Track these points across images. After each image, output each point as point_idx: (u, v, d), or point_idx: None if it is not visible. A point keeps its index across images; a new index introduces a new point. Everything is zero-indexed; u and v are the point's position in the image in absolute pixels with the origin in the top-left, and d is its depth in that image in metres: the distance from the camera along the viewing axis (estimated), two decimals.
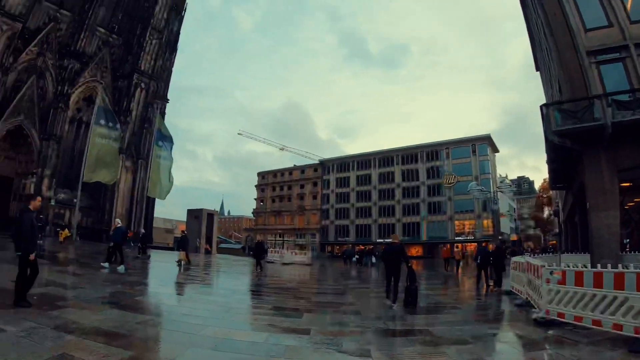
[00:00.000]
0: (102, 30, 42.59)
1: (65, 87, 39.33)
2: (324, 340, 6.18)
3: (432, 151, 71.44)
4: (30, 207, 7.21)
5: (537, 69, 37.83)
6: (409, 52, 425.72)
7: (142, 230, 29.78)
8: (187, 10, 48.37)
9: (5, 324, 5.41)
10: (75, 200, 33.27)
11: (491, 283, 15.07)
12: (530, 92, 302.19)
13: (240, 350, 5.39)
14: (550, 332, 6.93)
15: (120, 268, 14.68)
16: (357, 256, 37.86)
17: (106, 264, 15.00)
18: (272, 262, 30.97)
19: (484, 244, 20.37)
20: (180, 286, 13.33)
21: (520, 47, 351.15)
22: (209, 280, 16.54)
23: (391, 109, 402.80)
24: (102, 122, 32.95)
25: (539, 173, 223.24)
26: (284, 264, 30.54)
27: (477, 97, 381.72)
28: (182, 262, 19.22)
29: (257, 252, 21.45)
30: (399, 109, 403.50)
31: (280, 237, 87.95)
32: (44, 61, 38.69)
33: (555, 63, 21.14)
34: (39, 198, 7.84)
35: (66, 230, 29.64)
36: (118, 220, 18.81)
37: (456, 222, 67.42)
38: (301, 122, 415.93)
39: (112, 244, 16.01)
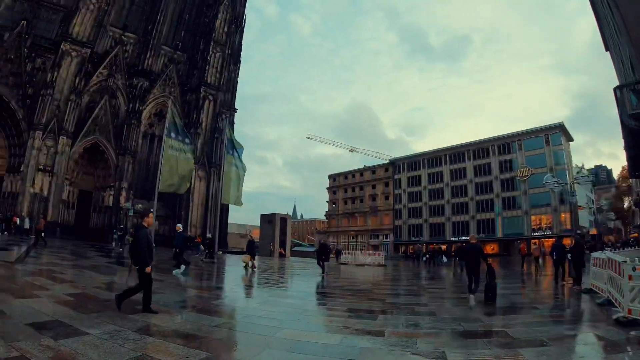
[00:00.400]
0: (166, 48, 44.63)
1: (137, 104, 40.99)
2: (398, 341, 6.17)
3: (504, 144, 66.88)
4: (145, 223, 7.70)
5: (607, 48, 34.88)
6: (471, 42, 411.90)
7: (209, 235, 29.67)
8: (246, 22, 50.12)
9: (89, 327, 5.76)
10: (151, 210, 32.50)
11: (570, 281, 14.67)
12: (601, 74, 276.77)
13: (314, 352, 5.48)
14: (633, 333, 6.69)
15: (176, 272, 15.16)
16: (427, 255, 36.67)
17: (176, 270, 15.40)
18: (345, 264, 31.42)
19: (559, 240, 18.20)
20: (255, 289, 13.89)
21: (586, 27, 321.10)
22: (284, 283, 16.76)
23: (458, 102, 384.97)
24: (173, 135, 32.35)
25: (616, 161, 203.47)
26: (358, 265, 30.66)
27: (545, 84, 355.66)
28: (249, 265, 19.74)
29: (320, 254, 20.57)
30: (465, 101, 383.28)
31: (353, 238, 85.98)
32: (114, 82, 40.84)
33: (624, 40, 18.58)
34: (151, 214, 8.13)
35: None
36: (179, 225, 18.93)
37: (532, 217, 62.48)
38: (368, 122, 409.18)
39: (175, 249, 16.62)
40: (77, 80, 38.04)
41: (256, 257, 19.76)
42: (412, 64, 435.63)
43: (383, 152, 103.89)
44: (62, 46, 38.27)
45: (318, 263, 19.93)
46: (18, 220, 31.39)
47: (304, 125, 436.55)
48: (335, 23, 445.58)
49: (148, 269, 7.16)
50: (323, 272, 19.25)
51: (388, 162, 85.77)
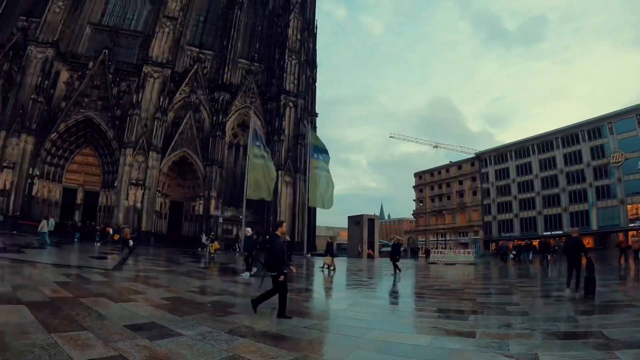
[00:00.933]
0: (243, 61, 45.09)
1: (220, 117, 41.14)
2: (489, 343, 5.86)
3: (593, 128, 59.92)
4: (278, 232, 7.97)
5: None
6: (547, 22, 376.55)
7: (287, 238, 27.31)
8: (317, 27, 49.98)
9: (183, 329, 5.94)
10: (240, 216, 34.88)
11: None
12: None
13: (404, 354, 5.36)
14: None
15: (245, 274, 15.25)
16: (513, 252, 34.12)
17: (252, 272, 15.53)
18: (435, 263, 31.15)
19: None
20: (344, 291, 13.81)
21: None
22: (372, 284, 16.38)
23: (541, 87, 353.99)
24: (257, 143, 33.78)
25: None
26: (447, 264, 30.24)
27: (632, 59, 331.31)
28: (330, 267, 19.81)
29: (393, 254, 19.78)
30: (549, 85, 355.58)
31: (442, 236, 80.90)
32: (196, 97, 41.45)
33: None
34: (284, 224, 8.57)
35: (215, 242, 30.07)
36: (248, 229, 18.81)
37: (629, 207, 56.25)
38: (449, 116, 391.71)
39: (246, 253, 16.55)
40: (161, 99, 39.01)
41: (334, 258, 19.32)
42: (489, 52, 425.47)
43: (468, 146, 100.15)
44: (144, 69, 39.55)
45: (394, 264, 18.97)
46: (111, 231, 31.62)
47: (385, 124, 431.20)
48: (405, 19, 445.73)
49: (281, 278, 7.31)
50: (395, 272, 18.43)
51: (474, 155, 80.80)
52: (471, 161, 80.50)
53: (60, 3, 40.05)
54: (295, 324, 6.78)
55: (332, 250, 20.87)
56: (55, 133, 37.31)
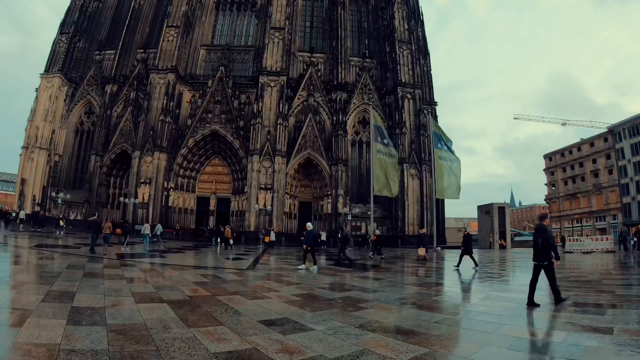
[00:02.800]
0: (355, 59, 44.63)
1: (340, 116, 40.77)
2: (628, 340, 5.35)
3: None
4: (544, 223, 8.20)
5: None
6: None
7: (377, 232, 27.99)
8: (423, 14, 48.50)
9: (314, 324, 6.20)
10: (369, 212, 34.49)
11: None
12: None
13: (536, 350, 5.17)
14: None
15: (313, 269, 15.16)
16: (635, 238, 30.03)
17: (302, 266, 15.56)
18: (570, 252, 29.34)
19: None
20: (475, 284, 13.18)
21: None
22: (505, 277, 15.59)
23: None
24: (379, 139, 33.58)
25: None
26: (584, 252, 28.44)
27: None
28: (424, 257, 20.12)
29: (467, 247, 18.01)
30: None
31: (577, 222, 72.95)
32: (314, 100, 41.53)
33: None
34: (548, 216, 8.68)
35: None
36: (309, 224, 17.89)
37: None
38: (572, 90, 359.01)
39: (306, 247, 16.11)
40: (280, 106, 39.54)
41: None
42: (603, 12, 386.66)
43: (598, 121, 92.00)
44: (260, 79, 40.30)
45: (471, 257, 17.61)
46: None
47: (506, 106, 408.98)
48: None
49: (557, 262, 7.69)
50: (458, 265, 17.40)
51: (606, 130, 72.87)
52: (604, 136, 72.42)
53: (173, 32, 42.19)
54: (425, 318, 6.83)
55: (424, 241, 21.21)
56: (185, 148, 39.62)
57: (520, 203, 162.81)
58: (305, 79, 41.99)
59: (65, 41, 44.36)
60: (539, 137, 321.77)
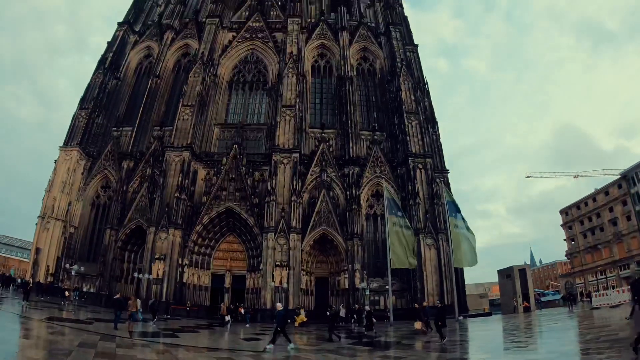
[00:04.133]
0: (365, 132, 45.63)
1: (353, 191, 41.15)
2: None
3: None
4: None
5: None
6: None
7: (367, 308, 30.01)
8: (428, 83, 49.75)
9: None
10: (387, 286, 34.93)
11: None
12: None
13: None
14: None
15: (290, 347, 15.42)
16: None
17: (270, 346, 15.43)
18: (598, 308, 29.16)
19: None
20: (502, 356, 12.92)
21: None
22: (531, 344, 15.16)
23: None
24: (393, 211, 34.45)
25: None
26: (612, 306, 27.82)
27: None
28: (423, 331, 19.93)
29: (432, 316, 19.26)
30: None
31: (601, 274, 70.96)
32: (327, 175, 42.14)
33: None
34: None
35: (302, 315, 32.04)
36: (279, 304, 17.89)
37: None
38: (579, 141, 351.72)
39: (277, 327, 16.02)
40: (294, 183, 40.12)
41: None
42: (600, 60, 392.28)
43: (609, 168, 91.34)
44: (273, 157, 41.24)
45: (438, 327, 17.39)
46: (243, 310, 34.65)
47: (516, 165, 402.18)
48: (505, 51, 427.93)
49: None
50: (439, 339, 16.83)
51: (619, 177, 72.52)
52: (617, 183, 71.68)
53: (188, 111, 43.79)
54: None
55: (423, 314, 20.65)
56: (200, 225, 40.16)
57: (540, 261, 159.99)
58: (318, 155, 42.83)
59: (85, 116, 46.05)
60: (552, 193, 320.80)
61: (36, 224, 41.49)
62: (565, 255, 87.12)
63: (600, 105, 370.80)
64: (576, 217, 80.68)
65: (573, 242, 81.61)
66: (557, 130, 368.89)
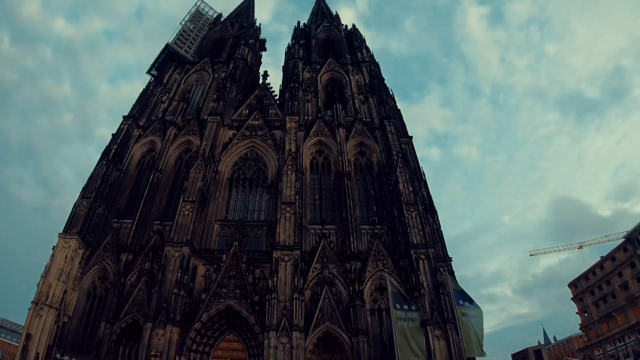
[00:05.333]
0: (365, 227, 45.79)
1: (356, 286, 40.41)
2: None
3: None
4: None
5: None
6: (624, 70, 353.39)
7: None
8: (425, 174, 50.20)
9: None
10: None
11: None
12: None
13: None
14: None
15: None
16: None
17: None
18: None
19: None
20: None
21: None
22: None
23: None
24: (398, 305, 33.08)
25: None
26: None
27: None
28: None
29: None
30: None
31: (620, 341, 69.37)
32: (329, 271, 41.62)
33: None
34: None
35: None
36: None
37: None
38: (577, 212, 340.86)
39: None
40: (295, 280, 39.69)
41: None
42: (587, 129, 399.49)
43: (612, 233, 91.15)
44: (273, 254, 41.12)
45: None
46: None
47: (517, 245, 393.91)
48: (495, 134, 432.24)
49: None
50: None
51: (623, 240, 73.20)
52: (623, 247, 72.57)
53: (188, 206, 44.18)
54: None
55: None
56: (198, 323, 38.86)
57: (555, 339, 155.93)
58: (319, 251, 42.75)
59: (86, 205, 46.04)
60: (557, 267, 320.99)
61: (29, 308, 39.85)
62: (580, 329, 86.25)
63: (593, 173, 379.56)
64: (586, 288, 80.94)
65: (586, 314, 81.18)
66: (554, 205, 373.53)
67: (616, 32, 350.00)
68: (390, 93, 59.03)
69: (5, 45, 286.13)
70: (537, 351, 35.50)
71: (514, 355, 37.30)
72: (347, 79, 62.61)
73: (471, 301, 34.29)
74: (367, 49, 69.78)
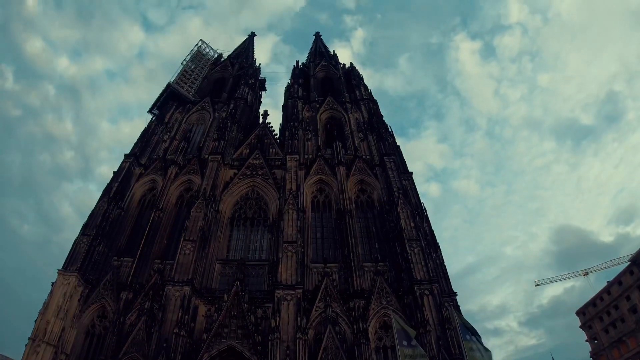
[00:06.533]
0: (368, 264, 45.46)
1: (360, 324, 39.80)
2: None
3: None
4: None
5: None
6: (617, 94, 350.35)
7: None
8: (426, 209, 50.53)
9: None
10: None
11: None
12: None
13: None
14: None
15: None
16: None
17: None
18: None
19: None
20: None
21: None
22: None
23: None
24: (405, 343, 32.44)
25: None
26: None
27: None
28: None
29: None
30: None
31: None
32: (332, 310, 40.98)
33: None
34: None
35: None
36: None
37: None
38: (579, 239, 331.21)
39: None
40: (298, 320, 39.14)
41: None
42: (583, 154, 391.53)
43: (616, 257, 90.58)
44: (275, 294, 40.81)
45: None
46: None
47: (521, 277, 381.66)
48: (492, 167, 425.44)
49: None
50: None
51: (629, 263, 73.26)
52: (629, 270, 72.67)
53: (189, 246, 44.05)
54: None
55: None
56: None
57: None
58: (321, 289, 42.39)
59: (86, 242, 45.82)
60: (562, 296, 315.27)
61: (26, 344, 39.00)
62: (591, 356, 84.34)
63: (592, 198, 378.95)
64: (594, 314, 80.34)
65: (596, 341, 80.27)
66: (555, 234, 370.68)
67: (607, 58, 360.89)
68: (389, 130, 59.88)
69: (10, 81, 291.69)
70: None
71: None
72: (346, 117, 63.48)
73: (479, 337, 34.06)
74: (365, 86, 71.14)
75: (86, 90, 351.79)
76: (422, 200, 51.59)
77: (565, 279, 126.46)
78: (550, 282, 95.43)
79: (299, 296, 40.79)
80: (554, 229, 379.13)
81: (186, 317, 39.63)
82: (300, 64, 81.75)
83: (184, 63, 75.64)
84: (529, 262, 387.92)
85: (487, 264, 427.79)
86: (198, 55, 78.69)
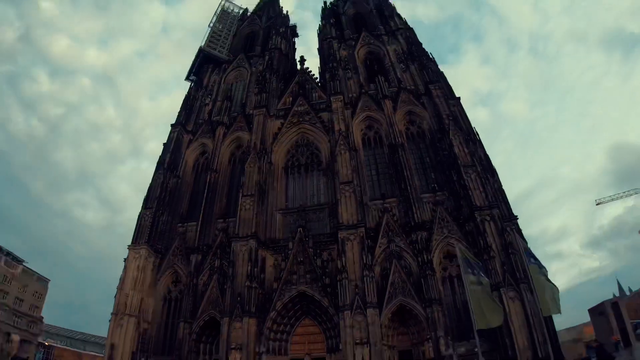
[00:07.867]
0: (426, 195, 45.05)
1: (424, 256, 40.09)
2: None
3: None
4: None
5: None
6: None
7: None
8: (478, 133, 49.26)
9: None
10: (475, 349, 32.15)
11: None
12: None
13: None
14: None
15: None
16: None
17: None
18: None
19: None
20: None
21: None
22: None
23: None
24: (470, 270, 32.25)
25: None
26: None
27: None
28: None
29: None
30: None
31: None
32: (395, 245, 41.44)
33: None
34: None
35: None
36: None
37: None
38: (636, 154, 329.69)
39: None
40: (364, 258, 39.71)
41: None
42: (635, 65, 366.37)
43: None
44: (339, 235, 41.38)
45: None
46: None
47: (579, 198, 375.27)
48: (540, 86, 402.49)
49: None
50: None
51: None
52: None
53: (249, 201, 45.23)
54: None
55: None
56: (274, 312, 40.12)
57: (630, 290, 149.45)
58: (383, 226, 42.57)
59: (150, 215, 48.12)
60: (624, 216, 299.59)
61: (109, 320, 42.31)
62: None
63: None
64: None
65: None
66: (612, 151, 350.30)
67: None
68: (431, 57, 57.51)
69: (46, 84, 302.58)
70: (614, 303, 33.29)
71: (590, 310, 35.39)
72: (384, 50, 61.29)
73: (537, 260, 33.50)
74: (399, 16, 67.81)
75: (120, 75, 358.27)
76: (472, 125, 49.93)
77: (628, 195, 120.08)
78: (612, 199, 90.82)
79: (361, 235, 41.16)
80: (610, 147, 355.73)
81: (255, 269, 41.33)
82: (328, 3, 78.97)
83: (211, 25, 74.96)
84: (587, 183, 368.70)
85: (543, 187, 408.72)
86: (224, 15, 77.69)
